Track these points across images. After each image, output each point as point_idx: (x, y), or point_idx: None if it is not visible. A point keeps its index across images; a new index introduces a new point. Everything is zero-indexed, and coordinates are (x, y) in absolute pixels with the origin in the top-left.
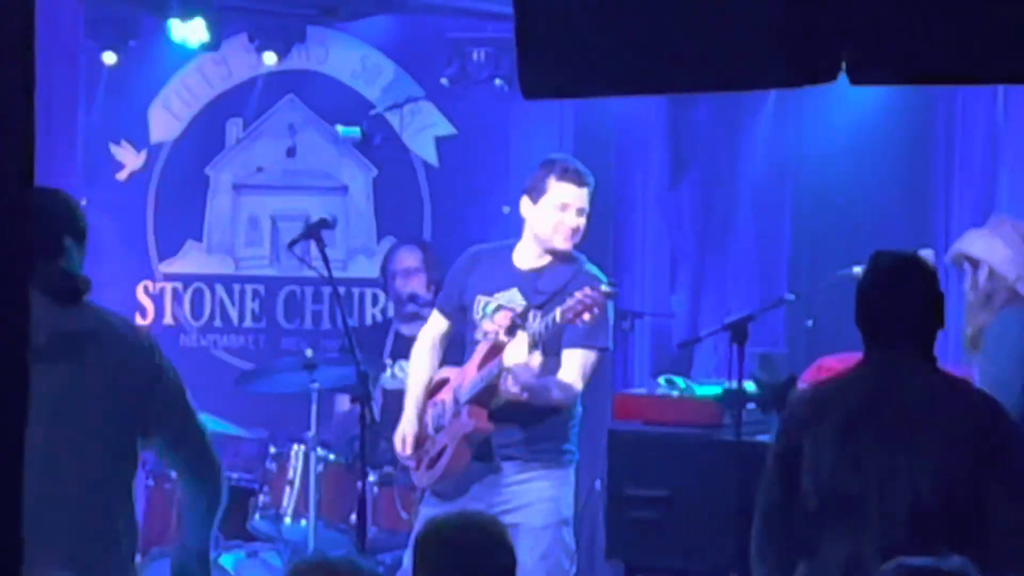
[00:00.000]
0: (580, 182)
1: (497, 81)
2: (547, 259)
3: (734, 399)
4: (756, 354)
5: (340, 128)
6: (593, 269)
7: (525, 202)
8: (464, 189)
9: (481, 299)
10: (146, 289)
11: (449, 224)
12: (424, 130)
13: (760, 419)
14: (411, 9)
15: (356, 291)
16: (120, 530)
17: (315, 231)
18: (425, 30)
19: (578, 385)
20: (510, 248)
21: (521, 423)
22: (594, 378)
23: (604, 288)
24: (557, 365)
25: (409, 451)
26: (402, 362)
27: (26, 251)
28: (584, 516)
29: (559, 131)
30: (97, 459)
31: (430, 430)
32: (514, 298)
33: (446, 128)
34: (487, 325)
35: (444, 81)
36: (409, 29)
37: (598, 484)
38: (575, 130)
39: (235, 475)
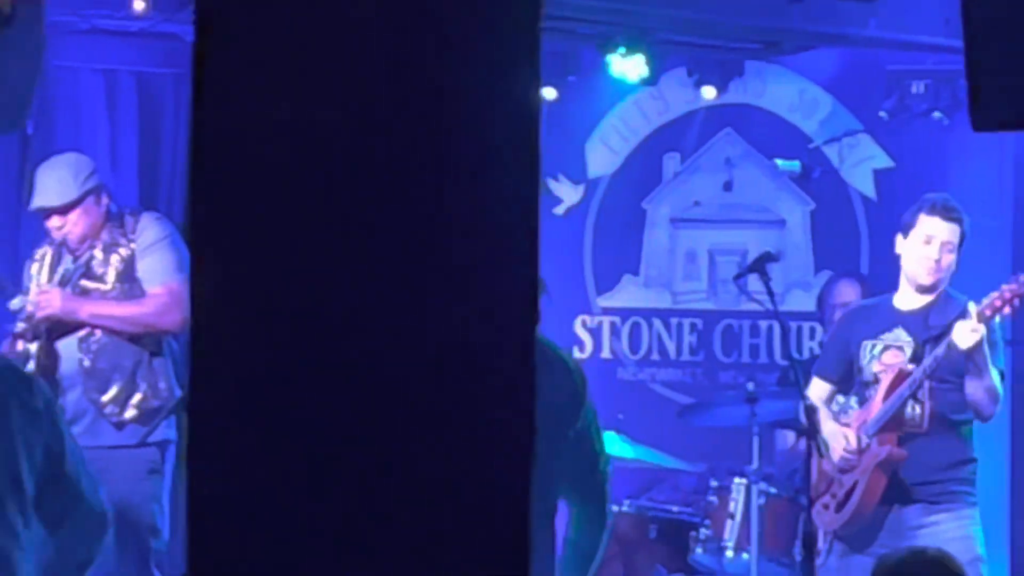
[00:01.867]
0: (948, 217)
1: (936, 114)
2: (927, 299)
3: None
4: None
5: (779, 162)
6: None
7: (899, 239)
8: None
9: (867, 343)
10: (584, 323)
11: (886, 257)
12: (862, 163)
13: None
14: (851, 42)
15: (793, 324)
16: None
17: (760, 265)
18: (863, 63)
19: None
20: (890, 296)
21: (926, 462)
22: None
23: None
24: None
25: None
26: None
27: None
28: None
29: (999, 163)
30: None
31: (835, 472)
32: (900, 337)
33: (884, 161)
34: (875, 366)
35: (882, 114)
36: (847, 62)
37: None
38: (1015, 161)
39: (675, 508)
